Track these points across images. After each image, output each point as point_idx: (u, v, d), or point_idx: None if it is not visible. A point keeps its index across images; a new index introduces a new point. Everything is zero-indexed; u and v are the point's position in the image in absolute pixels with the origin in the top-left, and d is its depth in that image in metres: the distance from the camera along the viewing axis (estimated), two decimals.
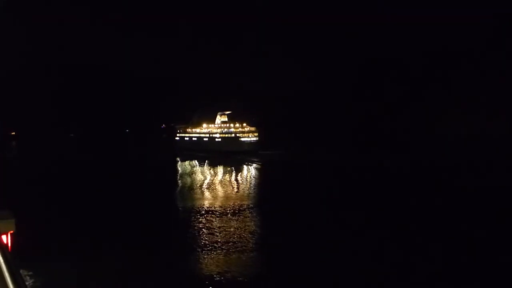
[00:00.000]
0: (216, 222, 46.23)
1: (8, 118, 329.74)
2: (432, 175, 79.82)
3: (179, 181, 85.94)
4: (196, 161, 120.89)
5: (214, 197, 65.13)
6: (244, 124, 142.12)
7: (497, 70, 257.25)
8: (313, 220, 45.92)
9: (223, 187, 75.33)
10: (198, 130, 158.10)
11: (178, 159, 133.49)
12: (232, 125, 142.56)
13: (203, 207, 54.92)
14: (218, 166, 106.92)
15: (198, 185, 76.58)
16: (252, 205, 55.85)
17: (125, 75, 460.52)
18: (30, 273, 27.96)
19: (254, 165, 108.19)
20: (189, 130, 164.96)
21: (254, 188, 73.62)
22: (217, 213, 50.90)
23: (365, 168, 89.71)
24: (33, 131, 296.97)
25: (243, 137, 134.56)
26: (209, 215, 49.58)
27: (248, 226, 44.67)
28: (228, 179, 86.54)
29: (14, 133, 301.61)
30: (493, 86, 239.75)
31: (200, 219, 47.84)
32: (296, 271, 31.17)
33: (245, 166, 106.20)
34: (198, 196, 66.26)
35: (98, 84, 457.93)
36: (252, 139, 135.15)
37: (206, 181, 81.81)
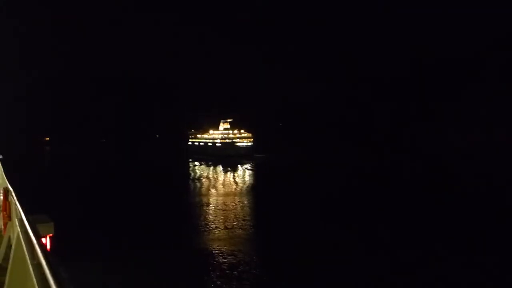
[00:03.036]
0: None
1: (42, 125, 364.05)
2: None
3: (188, 171, 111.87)
4: (203, 162, 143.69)
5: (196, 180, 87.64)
6: (242, 131, 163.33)
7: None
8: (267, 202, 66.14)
9: (207, 179, 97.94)
10: (206, 135, 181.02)
11: (190, 160, 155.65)
12: (231, 131, 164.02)
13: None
14: (214, 166, 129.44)
15: (193, 175, 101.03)
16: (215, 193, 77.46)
17: (144, 81, 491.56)
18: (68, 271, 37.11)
19: (244, 166, 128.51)
20: (199, 135, 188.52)
21: (230, 183, 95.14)
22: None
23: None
24: (65, 136, 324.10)
25: (239, 143, 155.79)
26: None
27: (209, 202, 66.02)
28: (215, 175, 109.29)
29: (48, 138, 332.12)
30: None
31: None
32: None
33: (239, 167, 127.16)
34: (189, 178, 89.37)
35: (121, 90, 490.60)
36: (248, 144, 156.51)
37: (198, 174, 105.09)
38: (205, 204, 63.58)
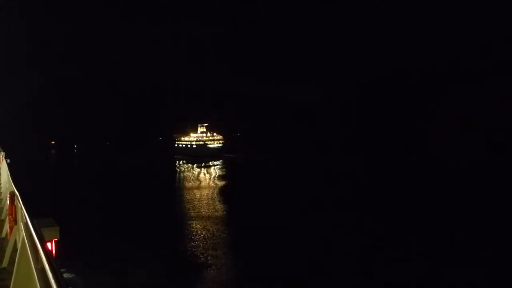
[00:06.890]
0: None
1: (47, 128, 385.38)
2: None
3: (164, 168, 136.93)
4: (184, 161, 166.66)
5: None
6: (214, 134, 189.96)
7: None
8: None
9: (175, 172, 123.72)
10: (187, 138, 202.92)
11: (176, 160, 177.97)
12: (205, 134, 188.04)
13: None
14: (190, 164, 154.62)
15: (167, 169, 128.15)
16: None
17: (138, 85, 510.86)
18: (73, 275, 29.04)
19: (211, 163, 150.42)
20: (182, 138, 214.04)
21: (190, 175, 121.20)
22: None
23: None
24: (70, 140, 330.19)
25: (210, 144, 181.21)
26: None
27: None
28: (182, 170, 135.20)
29: (53, 142, 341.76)
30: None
31: None
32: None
33: (207, 164, 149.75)
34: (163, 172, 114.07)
35: (127, 94, 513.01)
36: (219, 145, 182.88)
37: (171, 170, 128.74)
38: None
